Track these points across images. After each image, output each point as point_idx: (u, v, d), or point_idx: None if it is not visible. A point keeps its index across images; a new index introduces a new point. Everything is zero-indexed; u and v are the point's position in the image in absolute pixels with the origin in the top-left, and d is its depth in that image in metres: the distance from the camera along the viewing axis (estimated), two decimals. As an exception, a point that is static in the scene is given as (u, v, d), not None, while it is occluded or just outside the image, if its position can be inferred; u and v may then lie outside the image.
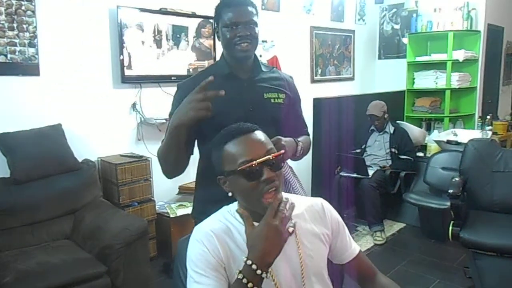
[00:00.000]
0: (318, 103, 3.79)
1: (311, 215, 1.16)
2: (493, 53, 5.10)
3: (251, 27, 1.44)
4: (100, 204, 2.74)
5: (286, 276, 1.06)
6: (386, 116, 3.90)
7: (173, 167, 1.48)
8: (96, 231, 2.44)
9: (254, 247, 0.94)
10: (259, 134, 1.07)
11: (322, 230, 1.16)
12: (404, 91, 4.90)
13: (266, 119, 1.47)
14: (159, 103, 3.32)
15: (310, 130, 3.99)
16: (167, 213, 3.15)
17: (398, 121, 4.37)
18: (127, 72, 3.06)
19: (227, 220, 1.10)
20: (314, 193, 3.92)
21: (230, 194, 1.08)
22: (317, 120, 3.82)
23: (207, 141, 1.35)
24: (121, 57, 3.02)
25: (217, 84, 1.33)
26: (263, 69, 1.56)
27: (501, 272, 2.20)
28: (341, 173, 3.76)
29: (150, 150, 3.28)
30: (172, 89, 3.34)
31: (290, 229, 0.95)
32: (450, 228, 2.39)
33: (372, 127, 3.97)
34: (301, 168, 4.43)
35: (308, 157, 4.17)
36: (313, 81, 4.64)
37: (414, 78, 4.92)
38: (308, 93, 4.44)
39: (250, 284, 0.91)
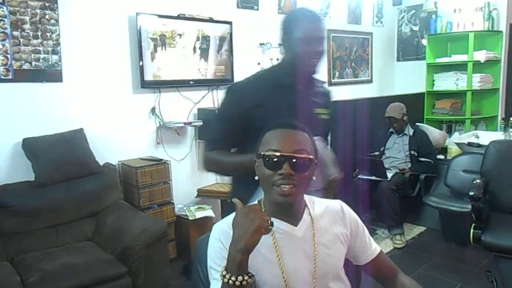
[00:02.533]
0: (335, 106, 3.77)
1: (330, 216, 1.17)
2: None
3: (323, 44, 1.47)
4: (121, 206, 2.80)
5: (297, 271, 1.07)
6: (405, 118, 3.86)
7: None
8: (117, 233, 2.50)
9: (233, 236, 0.97)
10: (299, 134, 1.10)
11: (342, 231, 1.17)
12: (423, 93, 4.84)
13: (313, 134, 1.51)
14: (177, 107, 3.38)
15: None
16: (186, 215, 3.19)
17: (417, 123, 4.31)
18: (147, 77, 3.13)
19: None
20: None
21: (256, 177, 1.11)
22: (334, 123, 3.80)
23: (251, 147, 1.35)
24: (141, 63, 3.08)
25: (275, 92, 1.43)
26: (316, 84, 1.58)
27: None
28: (359, 176, 3.73)
29: (169, 153, 3.35)
30: (190, 93, 3.43)
31: (269, 220, 0.95)
32: (472, 231, 2.35)
33: (391, 129, 3.93)
34: (319, 171, 4.41)
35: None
36: (330, 84, 4.63)
37: (434, 80, 4.86)
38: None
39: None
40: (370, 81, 5.16)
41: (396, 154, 3.88)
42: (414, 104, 4.54)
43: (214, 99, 3.60)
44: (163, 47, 3.20)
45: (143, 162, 3.05)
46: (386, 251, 3.37)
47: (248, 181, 1.22)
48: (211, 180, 3.68)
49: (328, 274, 1.11)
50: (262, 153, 1.06)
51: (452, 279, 2.85)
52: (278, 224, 1.09)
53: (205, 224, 3.28)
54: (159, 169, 3.06)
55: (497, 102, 4.80)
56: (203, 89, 3.53)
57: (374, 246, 1.23)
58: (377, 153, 3.99)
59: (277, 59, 3.84)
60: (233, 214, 1.14)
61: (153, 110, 3.24)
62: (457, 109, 4.80)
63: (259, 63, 3.77)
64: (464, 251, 3.31)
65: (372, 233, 3.69)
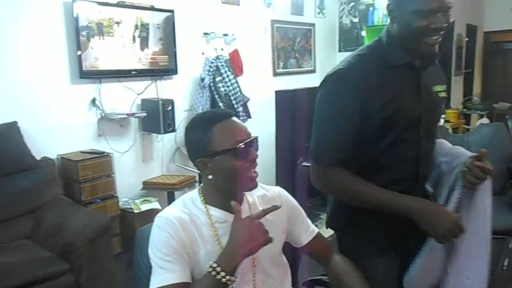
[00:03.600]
0: (280, 95, 3.86)
1: (268, 203, 1.21)
2: (446, 45, 5.35)
3: (449, 16, 1.16)
4: (61, 202, 2.70)
5: None
6: None
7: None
8: (57, 229, 2.41)
9: (234, 237, 1.02)
10: (237, 119, 1.14)
11: (279, 217, 1.21)
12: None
13: (437, 115, 1.37)
14: (120, 98, 3.29)
15: (273, 122, 4.10)
16: (131, 208, 3.13)
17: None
18: (85, 67, 3.00)
19: (189, 210, 1.14)
20: (279, 184, 3.99)
21: (210, 176, 1.11)
22: (279, 112, 3.89)
23: (375, 143, 1.24)
24: (78, 53, 2.95)
25: (395, 75, 1.20)
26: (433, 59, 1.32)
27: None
28: (303, 163, 3.85)
29: (112, 146, 3.26)
30: (132, 84, 3.34)
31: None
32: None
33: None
34: (265, 160, 4.50)
35: (272, 149, 4.26)
36: (275, 74, 4.70)
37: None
38: (270, 86, 4.52)
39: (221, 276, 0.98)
40: (313, 71, 5.30)
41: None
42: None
43: (157, 89, 3.53)
44: (101, 36, 3.08)
45: (84, 156, 2.94)
46: (330, 234, 3.51)
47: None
48: (157, 172, 3.63)
49: (267, 258, 1.16)
50: (234, 147, 1.06)
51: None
52: (219, 214, 1.12)
53: (151, 217, 3.17)
54: (101, 162, 2.97)
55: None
56: (146, 80, 3.46)
57: (312, 228, 1.30)
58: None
59: (222, 49, 3.85)
60: (178, 206, 1.16)
61: (93, 101, 3.13)
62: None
63: (203, 53, 3.74)
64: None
65: (317, 218, 3.84)
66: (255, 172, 1.11)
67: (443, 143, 1.41)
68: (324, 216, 3.87)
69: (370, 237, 1.35)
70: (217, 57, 3.69)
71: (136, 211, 3.11)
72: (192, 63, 3.72)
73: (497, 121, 5.93)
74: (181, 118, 3.61)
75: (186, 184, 3.48)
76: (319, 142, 1.24)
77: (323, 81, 1.26)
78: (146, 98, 3.42)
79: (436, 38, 1.17)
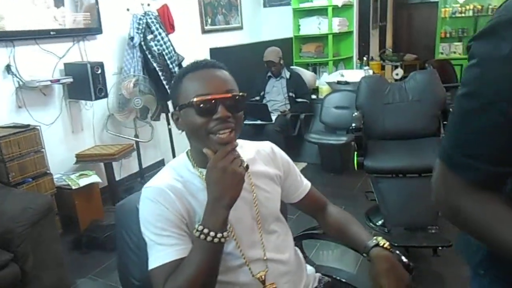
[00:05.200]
0: (215, 53, 3.71)
1: (262, 158, 1.15)
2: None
3: None
4: (-14, 185, 2.35)
5: (241, 219, 1.04)
6: (281, 62, 4.00)
7: None
8: (-10, 216, 2.10)
9: (211, 190, 0.91)
10: (223, 73, 1.01)
11: (275, 172, 1.16)
12: (291, 38, 5.06)
13: None
14: (39, 63, 2.89)
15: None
16: (68, 185, 2.85)
17: (292, 67, 4.53)
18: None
19: (181, 177, 1.03)
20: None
21: (179, 131, 1.03)
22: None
23: None
24: (-18, 9, 2.49)
25: None
26: None
27: (398, 189, 2.52)
28: (245, 122, 3.80)
29: (36, 117, 2.89)
30: (52, 46, 2.94)
31: (244, 165, 0.93)
32: (355, 158, 2.62)
33: (269, 74, 4.05)
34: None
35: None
36: (204, 31, 4.49)
37: (299, 25, 5.10)
38: (201, 44, 4.32)
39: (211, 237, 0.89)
40: (241, 28, 5.17)
41: (276, 97, 4.05)
42: (283, 48, 4.72)
43: (81, 52, 3.17)
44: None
45: (6, 131, 2.56)
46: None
47: None
48: (89, 143, 3.33)
49: (269, 217, 1.11)
50: (190, 100, 0.94)
51: (336, 203, 3.17)
52: None
53: (91, 192, 2.99)
54: (27, 136, 2.61)
55: (352, 44, 5.31)
56: (67, 41, 3.07)
57: (305, 183, 1.26)
58: (257, 98, 4.10)
59: (148, 4, 3.53)
60: (168, 172, 1.04)
61: (8, 68, 2.70)
62: (320, 52, 5.17)
63: (128, 9, 3.40)
64: (341, 178, 3.72)
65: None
66: (224, 133, 0.94)
67: None
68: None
69: None
70: (145, 13, 3.39)
71: (74, 187, 2.83)
72: (118, 20, 3.38)
73: (405, 72, 6.43)
74: (111, 83, 3.30)
75: (125, 153, 3.25)
76: (461, 141, 0.68)
77: (491, 29, 0.64)
78: (70, 62, 3.05)
79: None
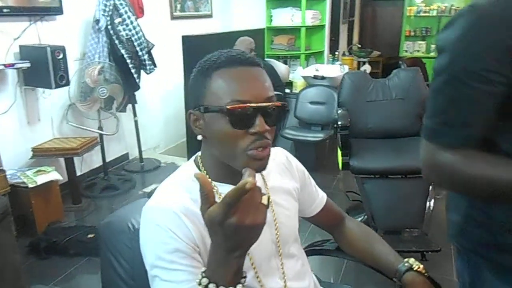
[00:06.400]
0: (188, 42, 3.46)
1: (279, 170, 0.99)
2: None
3: None
4: None
5: (260, 242, 0.87)
6: (254, 53, 3.82)
7: None
8: None
9: (214, 241, 0.65)
10: (263, 74, 0.82)
11: (293, 185, 1.00)
12: (263, 29, 4.90)
13: None
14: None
15: (180, 72, 3.70)
16: (24, 183, 2.55)
17: (265, 59, 4.37)
18: None
19: (190, 193, 0.83)
20: (191, 138, 3.71)
21: (199, 137, 0.83)
22: (188, 60, 3.51)
23: None
24: None
25: None
26: None
27: (384, 191, 2.45)
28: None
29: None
30: (4, 26, 2.59)
31: (265, 200, 0.65)
32: (340, 158, 2.52)
33: (242, 66, 3.85)
34: (174, 114, 4.11)
35: (181, 102, 3.87)
36: (173, 17, 4.22)
37: (271, 16, 4.95)
38: (171, 31, 4.06)
39: None
40: (211, 16, 4.93)
41: (249, 90, 3.87)
42: (255, 40, 4.54)
43: (39, 33, 2.83)
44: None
45: (-50, 121, 2.23)
46: (251, 187, 3.43)
47: None
48: (47, 135, 3.01)
49: (289, 238, 0.96)
50: (224, 106, 0.76)
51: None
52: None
53: (50, 190, 2.70)
54: (-25, 128, 2.29)
55: (324, 38, 5.24)
56: (22, 20, 2.72)
57: (321, 195, 1.12)
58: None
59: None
60: (176, 187, 0.85)
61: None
62: (292, 44, 5.05)
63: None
64: (316, 176, 3.55)
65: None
66: (262, 149, 0.78)
67: None
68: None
69: None
70: (113, -6, 3.09)
71: (31, 185, 2.54)
72: (81, 0, 3.05)
73: (373, 68, 6.47)
74: (74, 69, 2.99)
75: (89, 147, 2.97)
76: (438, 112, 0.80)
77: (449, 23, 0.80)
78: (26, 44, 2.71)
79: None
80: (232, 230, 0.60)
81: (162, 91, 4.14)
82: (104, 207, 3.10)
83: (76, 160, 3.02)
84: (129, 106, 3.48)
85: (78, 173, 3.12)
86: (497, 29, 0.72)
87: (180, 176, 0.89)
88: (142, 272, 0.85)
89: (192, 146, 3.72)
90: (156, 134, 4.20)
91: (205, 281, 0.65)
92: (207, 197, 0.62)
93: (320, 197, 1.10)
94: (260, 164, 0.79)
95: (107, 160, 3.40)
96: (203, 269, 0.67)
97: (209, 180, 0.67)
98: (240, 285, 0.65)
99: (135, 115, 3.56)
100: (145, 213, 0.82)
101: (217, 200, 0.82)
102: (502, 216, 0.82)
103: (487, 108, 0.76)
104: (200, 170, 0.87)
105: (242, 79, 0.78)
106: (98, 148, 3.19)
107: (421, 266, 0.96)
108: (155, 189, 0.90)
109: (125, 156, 3.86)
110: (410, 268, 0.96)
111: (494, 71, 0.73)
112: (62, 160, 2.95)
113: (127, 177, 3.50)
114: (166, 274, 0.75)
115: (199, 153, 0.90)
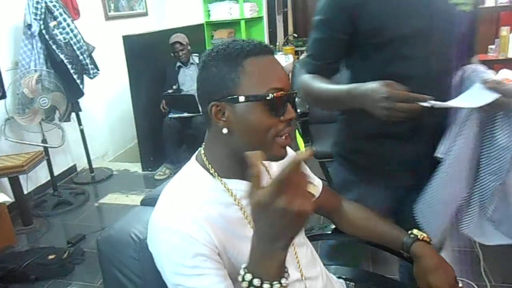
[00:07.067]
0: (129, 41, 3.32)
1: (282, 164, 0.98)
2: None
3: None
4: None
5: None
6: (189, 48, 3.71)
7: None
8: None
9: (256, 230, 0.63)
10: (277, 61, 0.82)
11: None
12: (202, 24, 4.82)
13: (450, 33, 1.08)
14: None
15: (125, 72, 3.52)
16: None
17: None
18: None
19: (209, 197, 0.81)
20: (142, 141, 3.57)
21: (225, 130, 0.78)
22: (131, 61, 3.37)
23: (368, 61, 1.14)
24: None
25: None
26: None
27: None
28: (169, 115, 3.51)
29: None
30: None
31: (312, 190, 0.62)
32: (302, 145, 2.56)
33: (179, 63, 3.72)
34: (122, 116, 3.90)
35: (128, 104, 3.69)
36: (108, 18, 4.02)
37: (209, 10, 4.88)
38: (108, 32, 3.87)
39: None
40: (146, 14, 4.76)
41: (192, 85, 3.77)
42: (195, 35, 4.45)
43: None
44: None
45: None
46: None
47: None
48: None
49: (301, 237, 0.97)
50: (264, 94, 0.76)
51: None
52: (241, 186, 0.83)
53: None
54: None
55: (263, 29, 5.27)
56: None
57: (317, 181, 1.13)
58: (170, 91, 3.75)
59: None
60: (188, 190, 0.81)
61: None
62: (232, 38, 5.02)
63: (19, -9, 2.84)
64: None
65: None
66: (288, 137, 0.81)
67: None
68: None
69: (370, 164, 1.23)
70: (43, -4, 2.86)
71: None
72: (8, 4, 2.80)
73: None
74: (7, 80, 2.74)
75: (36, 163, 2.75)
76: (308, 49, 1.21)
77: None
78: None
79: None
80: (280, 213, 0.57)
81: (107, 95, 3.93)
82: (58, 225, 2.90)
83: (20, 178, 2.79)
84: (73, 114, 3.27)
85: (25, 192, 2.88)
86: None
87: (188, 178, 0.85)
88: (156, 284, 0.81)
89: (144, 150, 3.59)
90: (103, 141, 3.99)
91: (248, 276, 0.62)
92: (257, 179, 0.59)
93: (317, 183, 1.11)
94: (285, 152, 0.82)
95: (55, 174, 3.17)
96: (244, 264, 0.65)
97: (262, 159, 0.62)
98: (285, 279, 0.63)
99: (80, 123, 3.35)
100: (157, 221, 0.78)
101: (230, 199, 0.81)
102: (361, 128, 1.20)
103: (336, 48, 1.15)
104: (206, 167, 0.84)
105: (273, 67, 0.80)
106: (43, 163, 2.97)
107: (425, 234, 1.00)
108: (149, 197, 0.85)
109: (73, 168, 3.63)
110: (417, 238, 0.99)
111: (340, 23, 1.11)
112: (5, 180, 2.70)
113: (79, 190, 3.30)
114: (189, 280, 0.72)
115: (201, 151, 0.87)
